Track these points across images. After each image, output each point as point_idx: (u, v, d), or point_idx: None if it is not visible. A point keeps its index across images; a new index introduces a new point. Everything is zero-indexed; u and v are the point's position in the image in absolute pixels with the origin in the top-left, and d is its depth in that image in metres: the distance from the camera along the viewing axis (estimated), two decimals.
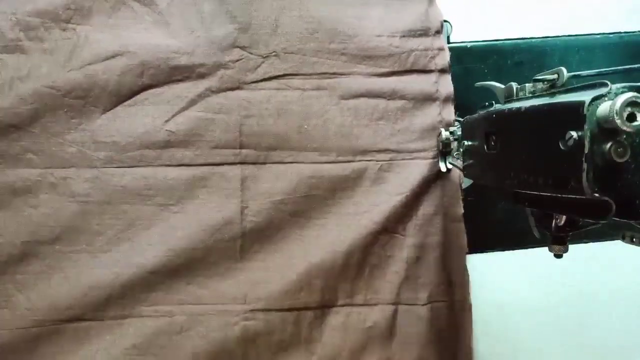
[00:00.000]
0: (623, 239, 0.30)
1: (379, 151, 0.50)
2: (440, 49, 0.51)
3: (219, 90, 0.49)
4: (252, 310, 0.47)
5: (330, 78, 0.50)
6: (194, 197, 0.48)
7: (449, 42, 0.52)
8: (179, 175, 0.48)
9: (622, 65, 0.35)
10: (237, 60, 0.49)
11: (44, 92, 0.46)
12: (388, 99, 0.51)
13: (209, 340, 0.46)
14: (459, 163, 0.46)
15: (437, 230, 0.50)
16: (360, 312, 0.49)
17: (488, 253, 0.54)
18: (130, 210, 0.47)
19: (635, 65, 0.34)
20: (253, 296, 0.47)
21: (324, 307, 0.49)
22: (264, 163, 0.49)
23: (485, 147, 0.38)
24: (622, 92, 0.25)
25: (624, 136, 0.25)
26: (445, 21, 0.52)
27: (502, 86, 0.39)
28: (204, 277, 0.47)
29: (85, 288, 0.45)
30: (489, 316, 0.54)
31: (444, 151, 0.49)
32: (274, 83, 0.50)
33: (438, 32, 0.51)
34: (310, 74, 0.50)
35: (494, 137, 0.36)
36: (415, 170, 0.50)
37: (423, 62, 0.51)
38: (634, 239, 0.29)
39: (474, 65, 0.52)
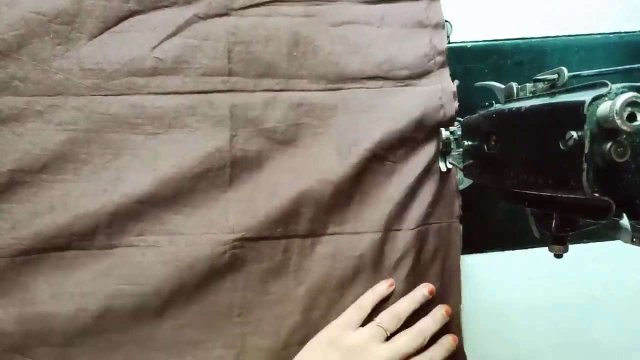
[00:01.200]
0: (623, 239, 0.30)
1: (369, 78, 0.50)
2: None
3: (207, 17, 0.48)
4: (240, 239, 0.47)
5: (318, 5, 0.50)
6: (182, 125, 0.47)
7: (449, 42, 0.52)
8: (167, 104, 0.47)
9: (622, 65, 0.35)
10: None
11: (30, 18, 0.45)
12: (378, 26, 0.50)
13: (198, 270, 0.46)
14: (459, 161, 0.46)
15: (427, 157, 0.50)
16: (350, 241, 0.49)
17: (488, 253, 0.54)
18: (118, 139, 0.46)
19: (635, 65, 0.34)
20: (241, 225, 0.47)
21: (314, 235, 0.48)
22: (253, 91, 0.48)
23: (485, 147, 0.38)
24: (622, 92, 0.25)
25: (624, 136, 0.25)
26: (445, 21, 0.52)
27: (502, 86, 0.39)
28: (192, 207, 0.47)
29: (71, 217, 0.45)
30: (489, 316, 0.54)
31: (444, 151, 0.49)
32: (262, 9, 0.49)
33: None
34: (299, 1, 0.49)
35: (494, 137, 0.36)
36: (405, 98, 0.49)
37: None
38: (634, 239, 0.29)
39: (474, 65, 0.53)
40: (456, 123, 0.51)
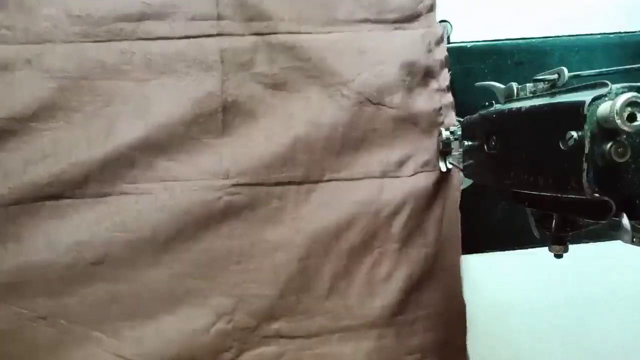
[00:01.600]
0: (623, 239, 0.30)
1: (359, 21, 0.49)
2: None
3: None
4: (235, 185, 0.47)
5: None
6: (172, 71, 0.47)
7: (449, 42, 0.52)
8: (156, 49, 0.47)
9: (622, 65, 0.35)
10: None
11: None
12: None
13: (193, 216, 0.46)
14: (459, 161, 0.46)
15: (425, 100, 0.49)
16: (346, 188, 0.48)
17: (488, 253, 0.54)
18: (108, 86, 0.46)
19: (635, 65, 0.34)
20: (236, 171, 0.47)
21: (309, 182, 0.48)
22: (243, 35, 0.48)
23: (485, 147, 0.38)
24: (622, 92, 0.25)
25: (624, 136, 0.25)
26: (445, 21, 0.52)
27: (502, 86, 0.39)
28: (185, 154, 0.47)
29: (63, 165, 0.45)
30: (489, 316, 0.54)
31: (444, 151, 0.49)
32: None
33: None
34: None
35: (494, 137, 0.36)
36: (394, 42, 0.49)
37: None
38: (634, 239, 0.29)
39: (474, 65, 0.52)
40: (456, 123, 0.51)
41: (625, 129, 0.24)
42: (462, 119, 0.46)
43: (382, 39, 0.49)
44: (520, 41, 0.53)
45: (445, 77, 0.50)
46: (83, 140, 0.45)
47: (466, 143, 0.42)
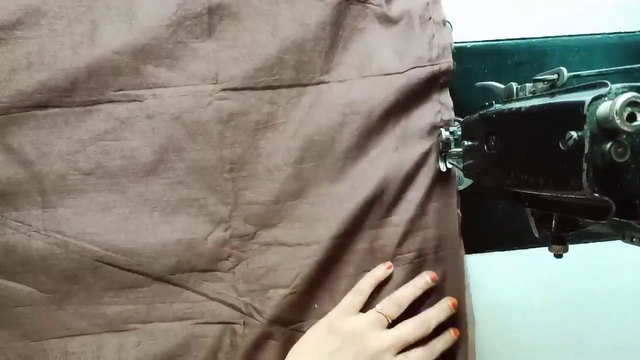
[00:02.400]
0: (623, 239, 0.30)
1: None
2: None
3: None
4: (224, 90, 0.46)
5: None
6: None
7: None
8: None
9: (622, 65, 0.35)
10: None
11: None
12: None
13: (184, 122, 0.46)
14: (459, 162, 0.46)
15: (409, 3, 0.49)
16: (337, 89, 0.48)
17: (488, 253, 0.54)
18: None
19: (635, 65, 0.34)
20: (224, 75, 0.47)
21: (299, 85, 0.48)
22: None
23: (485, 147, 0.38)
24: (622, 92, 0.25)
25: (624, 136, 0.25)
26: (445, 21, 0.52)
27: (502, 86, 0.39)
28: (172, 59, 0.46)
29: (49, 72, 0.44)
30: (489, 316, 0.54)
31: (444, 151, 0.49)
32: None
33: None
34: None
35: (494, 137, 0.36)
36: None
37: None
38: (634, 239, 0.29)
39: (474, 65, 0.53)
40: (456, 123, 0.51)
41: (625, 129, 0.24)
42: (462, 119, 0.46)
43: None
44: (520, 41, 0.53)
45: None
46: (68, 46, 0.45)
47: (466, 143, 0.42)
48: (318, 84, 0.48)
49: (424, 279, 0.48)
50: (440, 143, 0.49)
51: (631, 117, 0.24)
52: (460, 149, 0.45)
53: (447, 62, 0.49)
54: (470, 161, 0.42)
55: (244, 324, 0.46)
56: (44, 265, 0.45)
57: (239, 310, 0.47)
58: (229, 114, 0.47)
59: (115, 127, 0.46)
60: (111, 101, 0.46)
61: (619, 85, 0.26)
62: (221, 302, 0.47)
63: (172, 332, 0.46)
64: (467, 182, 0.51)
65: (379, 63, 0.49)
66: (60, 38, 0.45)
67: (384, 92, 0.48)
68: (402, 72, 0.49)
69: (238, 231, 0.47)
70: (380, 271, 0.48)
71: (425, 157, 0.49)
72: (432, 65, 0.49)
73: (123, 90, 0.46)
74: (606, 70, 0.35)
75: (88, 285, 0.46)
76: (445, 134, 0.48)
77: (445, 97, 0.50)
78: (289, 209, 0.48)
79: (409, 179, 0.49)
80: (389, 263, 0.48)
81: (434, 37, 0.49)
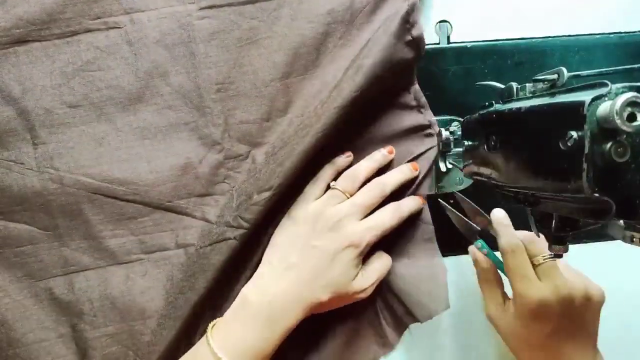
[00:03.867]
0: (623, 239, 0.30)
1: None
2: None
3: None
4: (203, 8, 0.46)
5: None
6: None
7: (448, 42, 0.52)
8: None
9: (622, 65, 0.35)
10: None
11: None
12: None
13: (165, 47, 0.46)
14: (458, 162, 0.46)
15: None
16: None
17: None
18: None
19: (635, 65, 0.34)
20: None
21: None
22: None
23: (485, 147, 0.38)
24: (622, 92, 0.25)
25: (624, 136, 0.25)
26: (445, 21, 0.52)
27: (502, 86, 0.39)
28: None
29: (25, 4, 0.44)
30: None
31: (444, 151, 0.49)
32: None
33: None
34: None
35: (494, 137, 0.36)
36: None
37: None
38: (634, 239, 0.29)
39: (474, 65, 0.52)
40: (456, 123, 0.51)
41: (625, 129, 0.24)
42: (462, 119, 0.46)
43: None
44: (520, 41, 0.53)
45: None
46: None
47: (466, 143, 0.42)
48: None
49: (381, 153, 0.48)
50: (440, 143, 0.49)
51: (631, 117, 0.24)
52: (460, 149, 0.45)
53: None
54: (470, 161, 0.42)
55: (236, 237, 0.45)
56: (40, 202, 0.45)
57: (232, 226, 0.46)
58: (211, 33, 0.46)
59: (97, 57, 0.45)
60: (89, 30, 0.45)
61: (619, 85, 0.26)
62: (222, 224, 0.46)
63: (178, 259, 0.47)
64: (467, 182, 0.51)
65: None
66: None
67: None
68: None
69: (231, 152, 0.47)
70: (340, 160, 0.48)
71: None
72: None
73: (100, 17, 0.45)
74: (606, 70, 0.35)
75: (87, 219, 0.46)
76: (445, 134, 0.48)
77: None
78: (278, 125, 0.47)
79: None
80: (348, 152, 0.48)
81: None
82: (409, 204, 0.48)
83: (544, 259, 0.42)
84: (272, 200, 0.45)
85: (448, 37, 0.52)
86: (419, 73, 0.50)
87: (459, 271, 0.53)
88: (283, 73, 0.47)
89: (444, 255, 0.50)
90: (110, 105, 0.46)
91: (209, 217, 0.47)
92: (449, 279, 0.49)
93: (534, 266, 0.42)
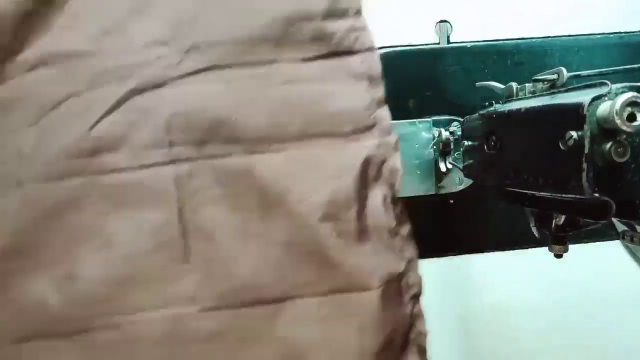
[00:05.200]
0: (623, 239, 0.30)
1: (313, 136, 0.48)
2: (363, 29, 0.49)
3: (143, 90, 0.47)
4: (202, 310, 0.46)
5: (256, 67, 0.48)
6: (128, 202, 0.46)
7: (448, 42, 0.52)
8: (110, 182, 0.46)
9: (622, 65, 0.35)
10: (158, 58, 0.47)
11: None
12: (316, 83, 0.49)
13: (163, 345, 0.46)
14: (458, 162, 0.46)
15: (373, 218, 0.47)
16: (313, 304, 0.46)
17: (488, 253, 0.54)
18: (68, 224, 0.45)
19: (636, 65, 0.34)
20: (202, 296, 0.46)
21: (278, 301, 0.47)
22: (197, 159, 0.47)
23: (485, 147, 0.38)
24: (622, 92, 0.25)
25: (624, 136, 0.25)
26: (445, 21, 0.52)
27: (502, 86, 0.39)
28: (148, 283, 0.46)
29: (34, 313, 0.44)
30: (489, 316, 0.54)
31: (444, 151, 0.49)
32: (199, 77, 0.48)
33: (358, 12, 0.48)
34: (235, 64, 0.48)
35: (494, 137, 0.36)
36: (348, 154, 0.47)
37: (347, 43, 0.49)
38: (634, 239, 0.29)
39: (474, 65, 0.52)
40: (456, 123, 0.51)
41: (625, 129, 0.24)
42: (462, 119, 0.46)
43: (340, 152, 0.48)
44: (520, 41, 0.53)
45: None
46: (45, 283, 0.45)
47: (466, 143, 0.42)
48: (293, 298, 0.47)
49: None
50: (440, 143, 0.49)
51: (631, 117, 0.24)
52: (460, 149, 0.45)
53: None
54: (470, 161, 0.42)
55: None
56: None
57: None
58: (208, 335, 0.46)
59: (94, 357, 0.45)
60: (88, 330, 0.45)
61: (619, 85, 0.26)
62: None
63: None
64: (467, 182, 0.51)
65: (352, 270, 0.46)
66: (39, 277, 0.45)
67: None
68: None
69: None
70: None
71: None
72: None
73: (100, 318, 0.45)
74: (606, 70, 0.35)
75: None
76: (445, 134, 0.48)
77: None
78: None
79: None
80: None
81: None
82: None
83: None
84: None
85: (448, 37, 0.52)
86: (419, 73, 0.50)
87: (459, 271, 0.53)
88: None
89: (444, 255, 0.50)
90: None
91: None
92: (447, 279, 0.49)
93: None
